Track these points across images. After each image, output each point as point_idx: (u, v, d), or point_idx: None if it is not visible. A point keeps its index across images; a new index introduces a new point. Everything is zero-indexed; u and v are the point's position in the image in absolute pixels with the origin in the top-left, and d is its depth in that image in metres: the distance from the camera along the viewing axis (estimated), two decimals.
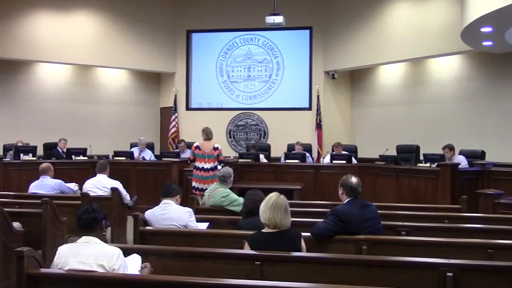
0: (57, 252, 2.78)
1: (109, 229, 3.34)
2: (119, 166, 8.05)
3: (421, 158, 7.75)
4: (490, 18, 6.13)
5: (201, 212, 4.69)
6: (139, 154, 9.01)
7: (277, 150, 9.75)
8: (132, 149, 9.08)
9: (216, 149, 6.69)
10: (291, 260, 2.99)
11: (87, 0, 10.32)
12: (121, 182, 6.03)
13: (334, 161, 8.33)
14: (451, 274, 2.75)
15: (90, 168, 7.69)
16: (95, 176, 6.06)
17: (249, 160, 8.47)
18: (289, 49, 11.11)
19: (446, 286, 2.76)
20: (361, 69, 10.68)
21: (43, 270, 2.71)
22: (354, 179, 3.64)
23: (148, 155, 9.06)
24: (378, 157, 8.06)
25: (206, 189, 5.68)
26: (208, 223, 4.33)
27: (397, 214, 4.69)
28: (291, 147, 9.54)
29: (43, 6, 9.89)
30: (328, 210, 3.76)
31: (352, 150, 9.13)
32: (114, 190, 5.77)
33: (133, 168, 8.35)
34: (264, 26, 8.87)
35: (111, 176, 6.10)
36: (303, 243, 3.17)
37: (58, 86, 10.72)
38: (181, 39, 11.39)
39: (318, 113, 10.54)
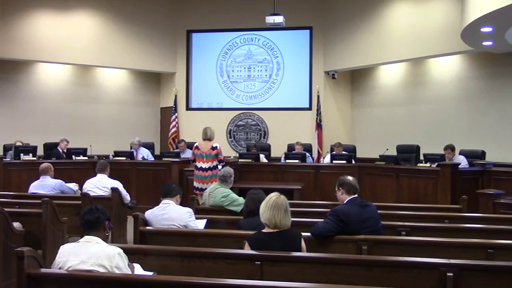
0: (59, 251, 2.78)
1: None
2: (119, 166, 8.05)
3: (421, 158, 7.75)
4: (490, 18, 6.13)
5: (201, 212, 4.69)
6: (137, 155, 8.99)
7: (277, 150, 9.76)
8: (132, 149, 9.08)
9: (214, 148, 6.68)
10: (291, 260, 2.99)
11: (87, 0, 10.32)
12: (121, 182, 6.03)
13: (334, 161, 8.34)
14: (451, 274, 2.75)
15: (90, 168, 7.68)
16: (95, 176, 6.05)
17: (249, 160, 8.48)
18: (289, 49, 11.11)
19: (446, 286, 2.76)
20: (361, 69, 10.68)
21: (43, 270, 2.71)
22: (350, 177, 3.71)
23: (146, 153, 9.03)
24: (378, 157, 8.06)
25: (206, 188, 5.68)
26: (206, 219, 4.33)
27: (397, 214, 4.69)
28: (291, 147, 9.54)
29: (43, 6, 9.90)
30: (328, 210, 3.77)
31: (351, 150, 9.14)
32: (114, 190, 5.77)
33: (133, 168, 8.34)
34: (264, 26, 8.89)
35: (111, 176, 6.10)
36: (303, 243, 3.17)
37: (58, 86, 10.72)
38: (181, 39, 11.39)
39: (318, 113, 10.54)
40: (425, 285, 2.84)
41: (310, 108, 10.83)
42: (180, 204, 4.25)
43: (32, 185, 5.97)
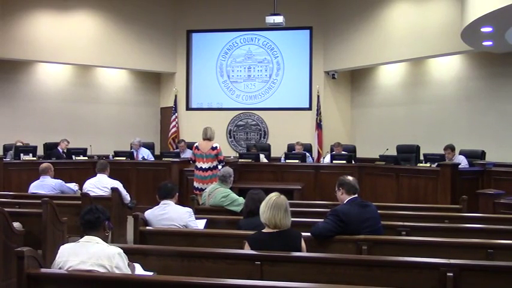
0: (59, 251, 2.78)
1: None
2: (119, 166, 8.06)
3: (421, 158, 7.75)
4: (490, 18, 6.13)
5: (201, 212, 4.69)
6: (137, 155, 8.99)
7: (277, 150, 9.75)
8: (132, 150, 9.08)
9: (214, 148, 6.68)
10: (291, 260, 2.99)
11: (87, 0, 10.32)
12: (121, 182, 6.03)
13: (334, 161, 8.34)
14: (451, 274, 2.75)
15: (90, 168, 7.68)
16: (95, 176, 6.05)
17: (249, 160, 8.47)
18: (289, 49, 11.11)
19: (446, 286, 2.76)
20: (361, 69, 10.68)
21: (43, 270, 2.71)
22: (350, 177, 3.72)
23: (146, 154, 9.04)
24: (378, 157, 8.06)
25: (206, 189, 5.67)
26: (206, 219, 4.33)
27: (397, 214, 4.69)
28: (291, 147, 9.54)
29: (43, 6, 9.90)
30: (328, 210, 3.77)
31: (351, 150, 9.14)
32: (114, 190, 5.77)
33: (133, 168, 8.35)
34: (264, 26, 8.88)
35: (111, 176, 6.10)
36: (303, 243, 3.17)
37: (58, 86, 10.72)
38: (181, 39, 11.39)
39: (318, 113, 10.54)
40: (425, 285, 2.84)
41: (310, 108, 10.83)
42: (180, 204, 4.25)
43: (32, 185, 5.97)
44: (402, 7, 9.26)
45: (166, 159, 8.49)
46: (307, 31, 10.94)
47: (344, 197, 3.63)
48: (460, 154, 7.51)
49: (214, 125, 7.18)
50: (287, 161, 8.68)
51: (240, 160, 8.42)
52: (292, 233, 3.16)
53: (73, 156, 8.41)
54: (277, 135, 10.80)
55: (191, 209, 4.25)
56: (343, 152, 8.74)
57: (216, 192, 4.99)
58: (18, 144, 8.50)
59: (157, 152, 10.29)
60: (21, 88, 10.37)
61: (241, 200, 4.73)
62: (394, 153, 8.15)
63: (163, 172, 8.13)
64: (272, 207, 3.12)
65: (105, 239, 2.83)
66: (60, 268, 2.71)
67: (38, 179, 5.98)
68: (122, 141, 10.00)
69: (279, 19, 8.41)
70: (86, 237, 2.78)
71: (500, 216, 4.84)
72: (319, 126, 10.50)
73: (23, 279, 2.60)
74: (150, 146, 9.58)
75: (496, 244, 3.39)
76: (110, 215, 2.96)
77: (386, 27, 9.52)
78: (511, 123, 8.19)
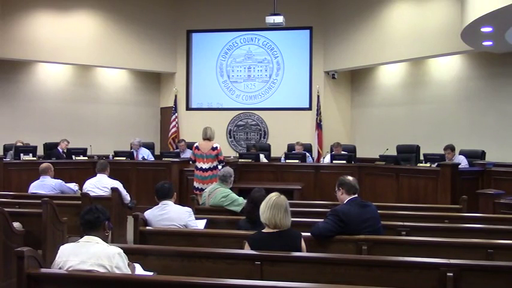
0: (59, 251, 2.78)
1: None
2: (119, 166, 8.05)
3: (421, 158, 7.75)
4: (490, 18, 6.13)
5: (201, 212, 4.69)
6: (137, 155, 8.99)
7: (277, 150, 9.75)
8: (132, 149, 9.08)
9: (214, 148, 6.68)
10: (291, 260, 2.99)
11: (87, 0, 10.32)
12: (121, 182, 6.03)
13: (334, 161, 8.34)
14: (451, 274, 2.75)
15: (90, 168, 7.68)
16: (95, 176, 6.05)
17: (249, 160, 8.48)
18: (289, 49, 11.11)
19: (446, 286, 2.76)
20: (361, 69, 10.68)
21: (43, 270, 2.71)
22: (350, 177, 3.72)
23: (146, 154, 9.04)
24: (378, 157, 8.06)
25: (206, 189, 5.68)
26: (206, 219, 4.33)
27: (397, 214, 4.69)
28: (291, 147, 9.54)
29: (43, 6, 9.90)
30: (328, 210, 3.76)
31: (351, 150, 9.13)
32: (114, 190, 5.76)
33: (133, 168, 8.35)
34: (264, 26, 8.88)
35: (111, 176, 6.10)
36: (303, 243, 3.17)
37: (58, 86, 10.72)
38: (181, 39, 11.39)
39: (318, 113, 10.54)
40: (425, 285, 2.84)
41: (310, 108, 10.83)
42: (180, 204, 4.25)
43: (32, 185, 5.97)
44: (402, 7, 9.26)
45: (166, 159, 8.48)
46: (307, 31, 10.94)
47: (344, 197, 3.63)
48: (460, 154, 7.51)
49: (214, 125, 7.18)
50: (287, 161, 8.68)
51: (240, 160, 8.42)
52: (292, 233, 3.16)
53: (73, 156, 8.41)
54: (277, 135, 10.80)
55: (191, 209, 4.25)
56: (343, 152, 8.74)
57: (216, 192, 4.99)
58: (18, 144, 8.50)
59: (157, 152, 10.28)
60: (21, 88, 10.37)
61: (241, 200, 4.73)
62: (394, 153, 8.15)
63: (163, 172, 8.13)
64: (272, 207, 3.11)
65: (105, 239, 2.83)
66: (60, 268, 2.71)
67: (38, 179, 5.97)
68: (122, 141, 10.00)
69: (279, 19, 8.41)
70: (86, 237, 2.78)
71: (500, 216, 4.84)
72: (319, 126, 10.50)
73: (23, 279, 2.60)
74: (150, 146, 9.58)
75: (496, 244, 3.39)
76: (109, 215, 2.97)
77: (386, 27, 9.52)
78: (511, 123, 8.19)
